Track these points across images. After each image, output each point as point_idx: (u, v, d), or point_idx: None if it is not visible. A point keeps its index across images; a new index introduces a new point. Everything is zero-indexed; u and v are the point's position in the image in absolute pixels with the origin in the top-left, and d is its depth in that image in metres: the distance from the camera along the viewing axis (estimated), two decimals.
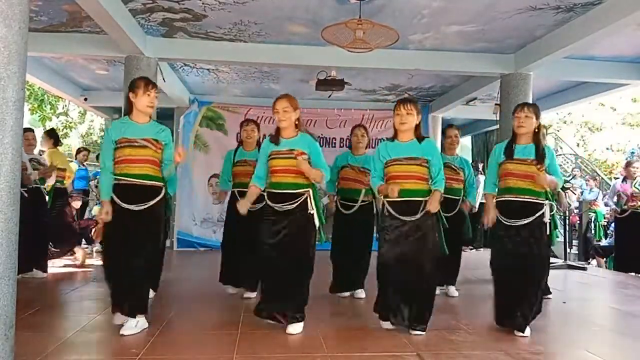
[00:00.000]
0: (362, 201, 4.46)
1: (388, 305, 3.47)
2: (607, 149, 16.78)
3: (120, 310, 3.30)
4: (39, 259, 5.42)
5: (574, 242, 9.58)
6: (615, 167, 14.93)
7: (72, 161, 8.28)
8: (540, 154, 3.46)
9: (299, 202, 3.38)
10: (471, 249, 8.61)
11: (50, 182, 5.81)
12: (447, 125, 5.19)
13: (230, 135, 8.28)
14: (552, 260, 7.77)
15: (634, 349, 3.35)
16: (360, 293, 4.60)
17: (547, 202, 3.49)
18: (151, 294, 4.49)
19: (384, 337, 3.34)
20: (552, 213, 3.51)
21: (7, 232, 2.49)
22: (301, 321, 3.41)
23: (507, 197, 3.52)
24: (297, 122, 3.49)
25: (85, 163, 8.67)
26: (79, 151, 8.89)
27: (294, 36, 5.84)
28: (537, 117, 3.54)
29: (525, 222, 3.42)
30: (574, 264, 7.35)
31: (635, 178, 6.92)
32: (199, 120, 8.59)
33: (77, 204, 6.86)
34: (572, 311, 4.49)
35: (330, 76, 6.80)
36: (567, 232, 8.05)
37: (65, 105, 12.31)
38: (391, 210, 3.41)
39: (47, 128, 9.93)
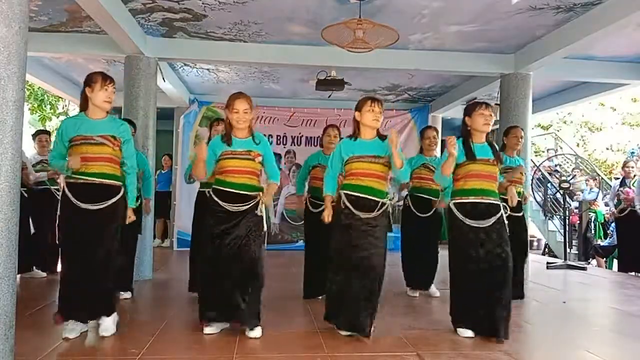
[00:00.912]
0: (332, 200, 4.40)
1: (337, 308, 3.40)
2: (607, 149, 16.74)
3: (72, 317, 3.15)
4: (39, 259, 5.42)
5: (574, 242, 9.58)
6: (615, 167, 14.93)
7: None
8: (497, 155, 3.49)
9: (251, 204, 3.35)
10: None
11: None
12: (425, 126, 5.18)
13: None
14: (552, 260, 7.87)
15: (634, 349, 3.35)
16: None
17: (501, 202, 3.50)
18: (127, 294, 4.47)
19: (384, 337, 3.34)
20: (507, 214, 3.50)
21: (7, 232, 2.50)
22: (259, 325, 3.33)
23: (473, 200, 3.41)
24: (251, 122, 3.46)
25: None
26: None
27: (294, 36, 5.84)
28: None
29: (491, 222, 3.36)
30: (574, 264, 7.35)
31: (634, 177, 6.93)
32: (199, 120, 8.61)
33: None
34: (572, 311, 4.49)
35: (330, 76, 6.79)
36: (567, 232, 8.05)
37: (65, 105, 12.27)
38: (348, 204, 3.38)
39: (47, 128, 9.95)
